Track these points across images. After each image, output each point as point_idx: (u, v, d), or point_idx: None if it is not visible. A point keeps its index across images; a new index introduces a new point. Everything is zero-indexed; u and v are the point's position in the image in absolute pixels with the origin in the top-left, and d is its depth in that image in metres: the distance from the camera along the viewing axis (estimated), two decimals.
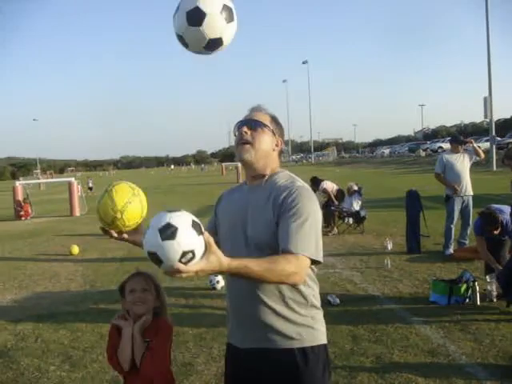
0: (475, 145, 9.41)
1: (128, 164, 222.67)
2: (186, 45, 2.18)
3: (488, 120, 36.20)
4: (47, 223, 19.59)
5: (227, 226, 2.36)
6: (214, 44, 2.15)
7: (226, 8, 2.10)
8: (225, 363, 2.48)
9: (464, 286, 6.36)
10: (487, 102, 33.75)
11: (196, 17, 2.05)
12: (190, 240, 1.72)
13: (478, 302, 6.22)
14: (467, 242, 9.13)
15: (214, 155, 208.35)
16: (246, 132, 2.26)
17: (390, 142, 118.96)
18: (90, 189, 37.85)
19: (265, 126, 2.31)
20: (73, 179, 23.46)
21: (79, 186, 23.25)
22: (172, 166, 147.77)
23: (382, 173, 42.98)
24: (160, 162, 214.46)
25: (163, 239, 1.72)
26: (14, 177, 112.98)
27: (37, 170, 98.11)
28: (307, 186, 2.26)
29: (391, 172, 43.08)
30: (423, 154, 59.08)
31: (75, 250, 11.74)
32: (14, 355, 5.55)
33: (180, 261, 1.71)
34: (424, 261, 8.81)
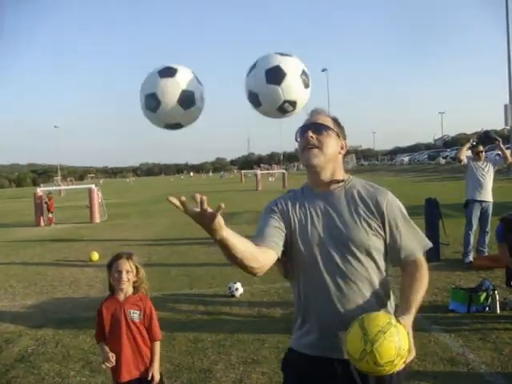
0: (502, 146, 9.20)
1: (147, 171, 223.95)
2: (258, 103, 2.17)
3: (509, 127, 35.86)
4: (67, 229, 19.78)
5: (313, 235, 2.20)
6: (287, 107, 2.21)
7: (304, 73, 2.14)
8: (286, 374, 2.36)
9: (484, 295, 6.32)
10: (508, 109, 33.47)
11: (276, 75, 2.05)
12: (295, 90, 1.64)
13: (498, 311, 6.18)
14: (486, 249, 9.07)
15: (233, 162, 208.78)
16: (311, 137, 2.21)
17: (410, 149, 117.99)
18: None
19: (329, 128, 2.26)
20: (93, 186, 23.66)
21: (99, 193, 23.43)
22: (191, 174, 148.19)
23: (401, 181, 42.70)
24: (179, 169, 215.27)
25: (269, 82, 1.63)
26: (35, 183, 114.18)
27: (57, 177, 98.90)
28: (388, 190, 2.31)
29: (411, 180, 42.80)
30: (443, 161, 58.61)
31: (95, 256, 11.84)
32: (35, 360, 5.63)
33: (279, 109, 1.68)
34: (443, 269, 8.74)
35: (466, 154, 9.39)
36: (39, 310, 7.77)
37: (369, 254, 2.17)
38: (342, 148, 2.31)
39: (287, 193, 2.42)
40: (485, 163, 9.13)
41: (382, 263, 2.25)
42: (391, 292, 2.36)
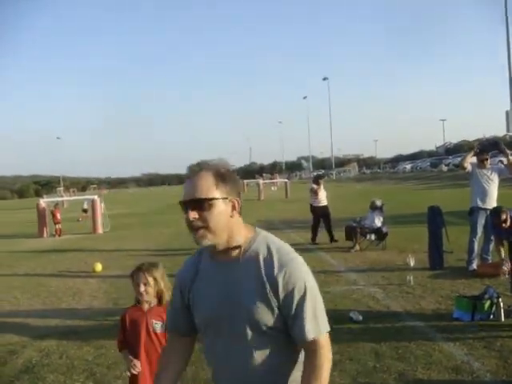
0: (510, 157, 8.88)
1: (149, 181, 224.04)
2: None
3: (511, 134, 35.90)
4: (70, 240, 19.80)
5: (212, 311, 2.03)
6: None
7: None
8: None
9: (488, 303, 6.31)
10: (509, 116, 33.52)
11: None
12: None
13: (503, 319, 6.16)
14: (490, 257, 9.05)
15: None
16: (194, 218, 1.91)
17: (412, 157, 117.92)
18: (85, 211, 31.36)
19: (211, 199, 1.92)
20: (96, 197, 23.70)
21: (102, 204, 23.46)
22: None
23: (403, 188, 42.70)
24: (181, 179, 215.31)
25: None
26: (38, 194, 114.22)
27: (60, 188, 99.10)
28: (295, 255, 2.01)
29: (413, 188, 42.77)
30: (445, 169, 58.60)
31: (98, 267, 11.86)
32: (39, 371, 5.63)
33: None
34: (447, 277, 8.74)
35: (470, 161, 9.38)
36: (43, 321, 7.76)
37: (265, 334, 1.95)
38: (234, 208, 1.98)
39: (193, 256, 2.21)
40: (490, 171, 9.11)
41: (284, 344, 1.99)
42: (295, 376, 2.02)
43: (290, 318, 1.93)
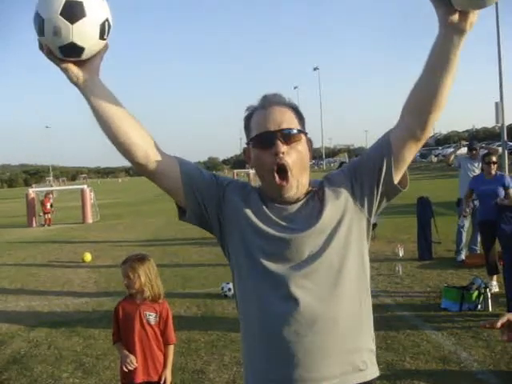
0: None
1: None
2: (41, 32, 1.60)
3: (499, 125, 36.02)
4: (60, 230, 19.74)
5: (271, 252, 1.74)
6: (70, 49, 1.62)
7: (106, 22, 1.66)
8: None
9: (476, 293, 6.35)
10: (498, 107, 33.54)
11: (74, 11, 1.56)
12: (88, 36, 1.59)
13: (490, 309, 6.21)
14: (478, 248, 9.09)
15: (225, 162, 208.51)
16: (283, 153, 1.71)
17: None
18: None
19: (299, 132, 1.78)
20: (85, 186, 23.62)
21: (92, 194, 23.37)
22: None
23: None
24: None
25: (62, 15, 1.53)
26: (27, 184, 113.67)
27: (49, 177, 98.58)
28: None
29: None
30: (435, 159, 58.81)
31: (88, 257, 11.81)
32: (27, 362, 5.61)
33: (61, 48, 1.58)
34: (435, 267, 8.79)
35: (453, 157, 9.62)
36: (32, 312, 7.74)
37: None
38: (310, 149, 1.84)
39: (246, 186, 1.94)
40: (478, 162, 9.16)
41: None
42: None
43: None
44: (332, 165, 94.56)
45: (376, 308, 6.47)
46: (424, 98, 1.64)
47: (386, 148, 1.75)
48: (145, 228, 18.11)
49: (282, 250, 1.73)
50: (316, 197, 1.80)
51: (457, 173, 9.85)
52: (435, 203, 10.98)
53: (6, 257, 13.50)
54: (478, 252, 9.02)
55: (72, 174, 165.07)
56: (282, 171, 1.71)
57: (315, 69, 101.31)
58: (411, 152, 1.76)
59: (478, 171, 9.01)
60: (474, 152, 9.34)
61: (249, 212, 1.80)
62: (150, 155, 1.74)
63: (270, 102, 1.82)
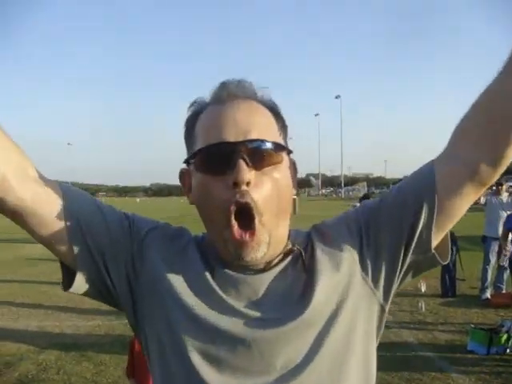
0: None
1: (159, 191, 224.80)
2: None
3: None
4: None
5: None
6: None
7: None
8: None
9: (505, 336, 6.07)
10: None
11: None
12: None
13: None
14: (504, 286, 8.80)
15: None
16: (248, 182, 1.03)
17: None
18: None
19: (277, 147, 1.10)
20: None
21: None
22: None
23: None
24: None
25: None
26: None
27: None
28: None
29: None
30: None
31: None
32: None
33: None
34: (459, 305, 8.49)
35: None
36: (42, 332, 7.56)
37: None
38: (293, 178, 1.18)
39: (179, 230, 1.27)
40: (507, 199, 8.95)
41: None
42: None
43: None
44: (351, 193, 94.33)
45: (398, 346, 6.22)
46: (505, 116, 1.02)
47: (427, 190, 1.10)
48: None
49: (237, 356, 1.07)
50: (300, 262, 1.15)
51: (481, 206, 9.57)
52: (459, 237, 10.68)
53: (19, 273, 13.42)
54: (504, 291, 8.73)
55: (91, 192, 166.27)
56: (245, 216, 1.03)
57: (337, 97, 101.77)
58: (467, 201, 1.12)
59: (505, 209, 8.76)
60: (500, 187, 9.11)
61: (180, 284, 1.12)
62: (8, 180, 1.03)
63: (230, 92, 1.13)
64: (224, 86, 1.15)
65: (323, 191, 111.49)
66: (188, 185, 1.20)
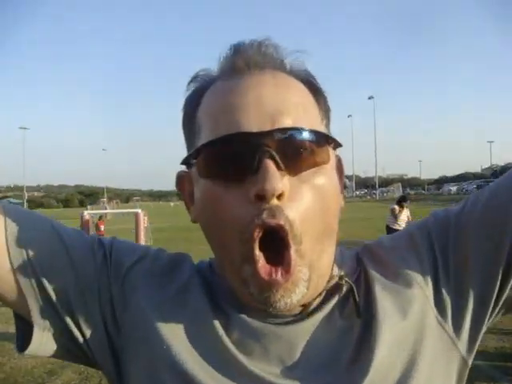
0: None
1: None
2: None
3: None
4: None
5: None
6: None
7: None
8: None
9: None
10: None
11: None
12: None
13: None
14: None
15: None
16: (281, 194, 0.70)
17: (457, 178, 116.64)
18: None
19: (321, 138, 0.77)
20: (140, 211, 23.72)
21: (146, 218, 23.47)
22: None
23: None
24: None
25: None
26: (82, 204, 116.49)
27: (104, 199, 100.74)
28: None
29: None
30: None
31: None
32: None
33: None
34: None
35: None
36: None
37: None
38: (340, 180, 0.88)
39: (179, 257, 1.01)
40: None
41: None
42: None
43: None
44: (385, 194, 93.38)
45: None
46: None
47: None
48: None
49: None
50: (351, 303, 0.83)
51: None
52: None
53: None
54: None
55: (125, 196, 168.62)
56: (276, 244, 0.72)
57: (370, 98, 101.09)
58: None
59: None
60: None
61: (177, 342, 0.80)
62: None
63: (248, 60, 0.79)
64: (238, 51, 0.80)
65: (357, 193, 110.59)
66: (189, 194, 0.86)
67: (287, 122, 0.73)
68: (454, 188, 79.73)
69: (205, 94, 0.81)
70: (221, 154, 0.73)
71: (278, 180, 0.68)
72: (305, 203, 0.72)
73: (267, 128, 0.72)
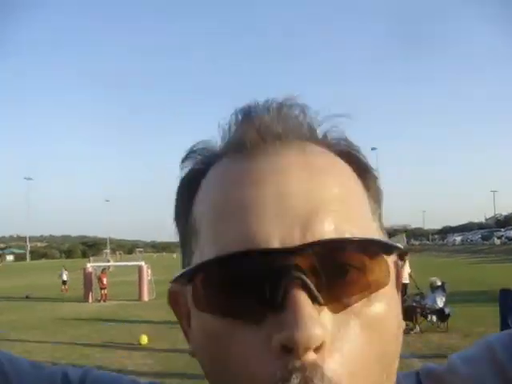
0: None
1: None
2: None
3: None
4: (115, 307, 19.56)
5: None
6: None
7: None
8: None
9: None
10: None
11: None
12: None
13: None
14: None
15: None
16: (320, 345, 0.43)
17: (461, 228, 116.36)
18: (64, 283, 27.96)
19: (376, 254, 0.49)
20: (143, 263, 23.59)
21: (149, 271, 23.27)
22: None
23: (455, 262, 41.38)
24: None
25: None
26: (85, 255, 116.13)
27: (107, 250, 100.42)
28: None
29: (466, 261, 41.42)
30: (498, 241, 56.97)
31: (144, 339, 11.51)
32: None
33: None
34: None
35: None
36: None
37: None
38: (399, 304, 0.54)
39: None
40: None
41: None
42: None
43: None
44: None
45: None
46: None
47: None
48: None
49: None
50: None
51: None
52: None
53: (60, 334, 13.26)
54: None
55: (128, 247, 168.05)
56: None
57: (373, 149, 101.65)
58: None
59: None
60: None
61: None
62: None
63: (264, 130, 0.54)
64: (249, 117, 0.56)
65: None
66: (186, 315, 0.56)
67: (326, 229, 0.47)
68: (458, 238, 79.50)
69: (203, 179, 0.57)
70: (227, 279, 0.47)
71: (316, 323, 0.43)
72: (355, 351, 0.46)
73: (296, 240, 0.47)
